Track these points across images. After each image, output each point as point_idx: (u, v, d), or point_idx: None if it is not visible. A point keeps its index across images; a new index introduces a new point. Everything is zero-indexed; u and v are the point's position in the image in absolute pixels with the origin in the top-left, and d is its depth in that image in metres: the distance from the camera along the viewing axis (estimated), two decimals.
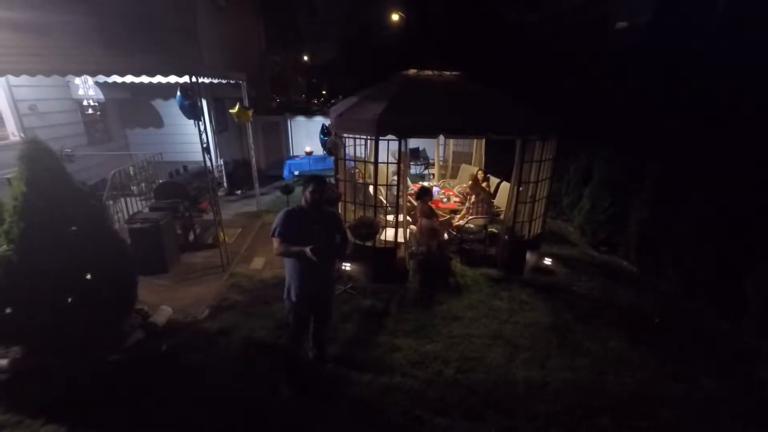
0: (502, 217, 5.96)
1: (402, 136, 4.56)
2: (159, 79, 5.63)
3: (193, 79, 4.68)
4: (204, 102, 6.68)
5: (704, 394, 3.30)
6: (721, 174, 4.52)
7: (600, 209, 6.05)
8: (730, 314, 4.28)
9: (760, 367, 3.64)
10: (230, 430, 2.89)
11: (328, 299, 3.31)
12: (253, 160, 7.47)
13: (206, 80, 6.07)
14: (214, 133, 8.47)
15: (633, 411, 3.11)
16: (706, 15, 6.39)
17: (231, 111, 6.47)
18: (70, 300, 3.10)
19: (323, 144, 5.10)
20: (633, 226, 5.52)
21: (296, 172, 9.94)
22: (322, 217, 3.04)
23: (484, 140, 7.48)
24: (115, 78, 6.02)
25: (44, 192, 2.97)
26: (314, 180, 3.00)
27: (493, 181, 6.89)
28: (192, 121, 6.07)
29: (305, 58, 24.19)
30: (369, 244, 4.81)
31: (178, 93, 4.66)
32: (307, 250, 2.76)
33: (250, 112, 6.49)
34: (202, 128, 4.83)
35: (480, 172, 6.63)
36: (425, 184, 7.14)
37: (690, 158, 4.97)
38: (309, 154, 9.40)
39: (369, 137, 4.89)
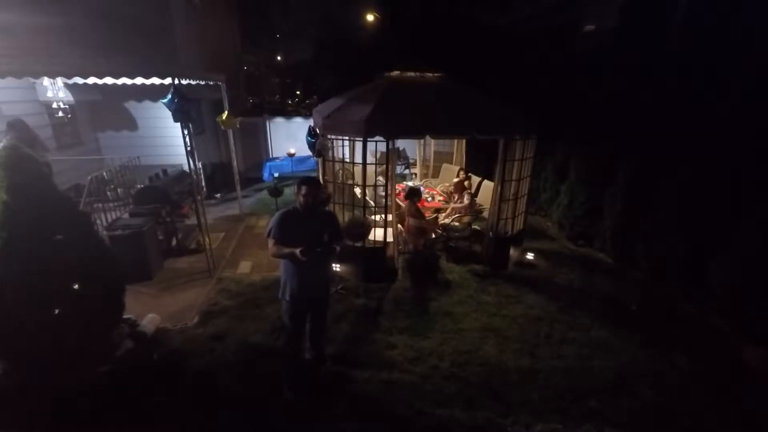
0: (484, 214, 6.16)
1: (390, 137, 4.64)
2: (134, 80, 5.45)
3: (175, 81, 4.57)
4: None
5: (679, 372, 3.56)
6: (686, 169, 4.85)
7: (576, 205, 6.35)
8: (696, 298, 4.63)
9: (726, 343, 3.97)
10: (233, 431, 2.89)
11: (323, 298, 3.34)
12: (235, 163, 7.35)
13: (184, 82, 5.93)
14: (191, 135, 8.26)
15: (618, 392, 3.32)
16: (668, 19, 6.82)
17: (220, 119, 6.41)
18: (57, 311, 2.99)
19: (311, 146, 5.07)
20: (607, 220, 5.83)
21: (276, 174, 9.82)
22: (315, 218, 3.06)
23: (464, 140, 7.67)
24: (86, 79, 5.80)
25: (27, 200, 2.84)
26: (306, 181, 3.01)
27: (474, 179, 7.08)
28: (168, 124, 5.88)
29: (278, 58, 23.85)
30: (359, 244, 4.86)
31: (169, 95, 4.49)
32: (297, 252, 2.79)
33: (237, 120, 6.47)
34: (185, 131, 4.73)
35: (461, 172, 6.81)
36: (411, 183, 7.25)
37: (658, 155, 5.31)
38: (291, 155, 9.31)
39: (355, 138, 4.94)
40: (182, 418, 2.96)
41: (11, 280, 2.80)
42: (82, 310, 3.09)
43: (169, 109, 4.49)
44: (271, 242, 2.98)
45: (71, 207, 3.21)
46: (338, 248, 3.10)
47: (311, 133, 5.07)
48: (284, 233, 2.95)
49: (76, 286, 3.06)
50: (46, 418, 2.84)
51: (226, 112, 6.35)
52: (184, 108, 4.34)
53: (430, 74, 5.70)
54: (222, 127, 6.59)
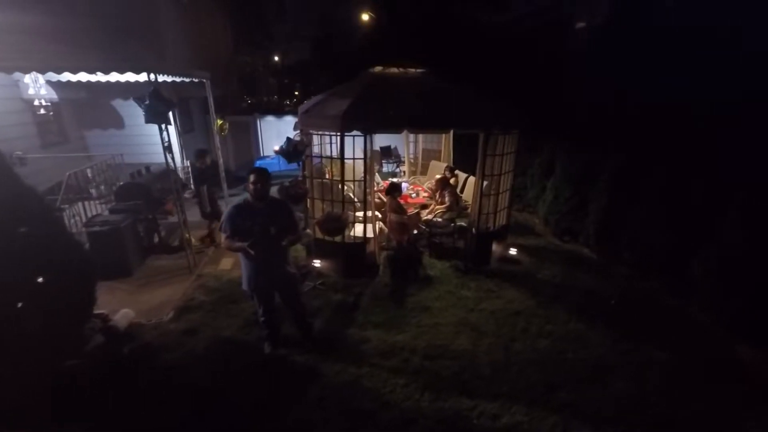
0: (469, 210, 6.12)
1: (367, 131, 4.61)
2: (117, 77, 5.44)
3: (152, 77, 4.55)
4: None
5: (655, 364, 3.51)
6: (671, 166, 4.82)
7: (562, 200, 6.31)
8: (679, 292, 4.58)
9: (707, 337, 3.93)
10: (200, 423, 2.86)
11: (282, 283, 3.39)
12: (221, 161, 7.33)
13: (169, 79, 5.92)
14: (179, 133, 8.25)
15: (590, 384, 3.28)
16: (656, 16, 6.80)
17: (217, 130, 6.39)
18: (20, 305, 2.96)
19: (286, 153, 4.80)
20: (592, 215, 5.79)
21: None
22: (266, 209, 3.13)
23: (452, 137, 7.65)
24: (69, 77, 5.78)
25: None
26: (255, 170, 3.12)
27: (462, 176, 7.05)
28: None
29: (276, 58, 23.89)
30: (338, 239, 4.84)
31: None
32: (245, 246, 2.94)
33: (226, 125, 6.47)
34: (164, 127, 4.71)
35: (447, 169, 6.78)
36: (394, 180, 7.23)
37: (643, 151, 5.27)
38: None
39: (335, 133, 4.92)
40: (146, 411, 2.94)
41: None
42: (47, 304, 3.07)
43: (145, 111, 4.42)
44: (223, 236, 3.12)
45: (37, 200, 3.18)
46: (293, 240, 3.25)
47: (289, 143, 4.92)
48: (235, 226, 3.05)
49: (40, 280, 3.04)
50: (6, 412, 2.82)
51: (219, 121, 6.34)
52: (157, 109, 4.28)
53: (413, 70, 5.69)
54: (221, 134, 6.56)
